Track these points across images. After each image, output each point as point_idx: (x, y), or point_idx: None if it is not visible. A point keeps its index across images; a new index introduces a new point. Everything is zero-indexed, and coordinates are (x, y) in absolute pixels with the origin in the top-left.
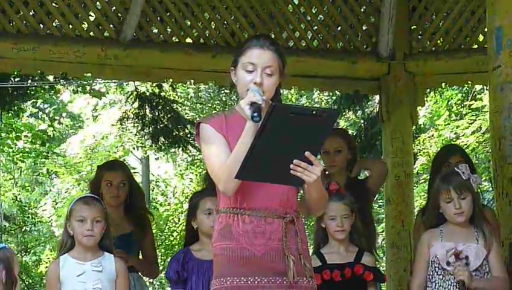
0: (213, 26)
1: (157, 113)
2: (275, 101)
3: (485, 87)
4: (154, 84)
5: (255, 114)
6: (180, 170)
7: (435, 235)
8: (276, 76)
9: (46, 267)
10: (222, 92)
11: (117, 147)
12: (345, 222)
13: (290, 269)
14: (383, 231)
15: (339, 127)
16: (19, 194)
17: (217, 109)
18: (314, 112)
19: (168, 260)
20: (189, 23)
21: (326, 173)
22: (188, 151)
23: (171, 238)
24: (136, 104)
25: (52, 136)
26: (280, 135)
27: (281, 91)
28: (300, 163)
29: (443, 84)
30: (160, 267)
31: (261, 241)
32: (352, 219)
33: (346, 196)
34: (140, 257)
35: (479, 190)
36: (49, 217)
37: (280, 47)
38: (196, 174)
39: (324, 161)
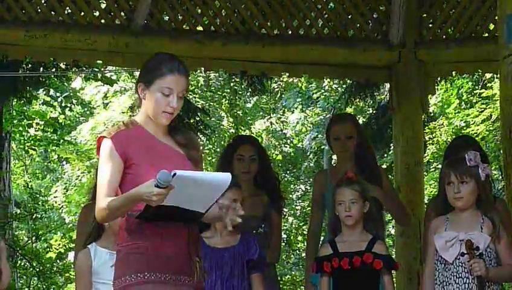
0: (224, 14)
1: None
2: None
3: (495, 75)
4: None
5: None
6: None
7: (441, 223)
8: (183, 96)
9: (57, 253)
10: (232, 80)
11: None
12: (353, 206)
13: (196, 269)
14: (392, 219)
15: (348, 113)
16: (30, 181)
17: (227, 98)
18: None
19: None
20: (200, 11)
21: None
22: (199, 139)
23: None
24: None
25: (63, 123)
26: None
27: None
28: (223, 205)
29: (453, 72)
30: None
31: (172, 242)
32: (364, 207)
33: (356, 183)
34: None
35: (489, 180)
36: (59, 204)
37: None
38: (205, 163)
39: (335, 147)
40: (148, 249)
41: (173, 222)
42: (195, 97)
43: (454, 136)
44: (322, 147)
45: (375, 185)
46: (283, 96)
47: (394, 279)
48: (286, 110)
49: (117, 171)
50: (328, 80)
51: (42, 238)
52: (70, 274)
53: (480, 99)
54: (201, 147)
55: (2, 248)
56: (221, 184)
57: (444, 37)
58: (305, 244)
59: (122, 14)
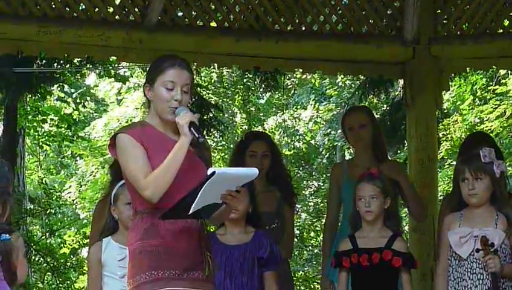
0: (237, 10)
1: None
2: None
3: (509, 71)
4: None
5: (201, 135)
6: None
7: (455, 219)
8: (190, 93)
9: (71, 249)
10: (245, 76)
11: None
12: (373, 202)
13: (208, 264)
14: (406, 216)
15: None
16: (44, 176)
17: (240, 94)
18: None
19: None
20: (213, 7)
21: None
22: (212, 136)
23: None
24: None
25: (77, 119)
26: (209, 190)
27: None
28: (231, 192)
29: (468, 68)
30: None
31: (184, 238)
32: (385, 203)
33: (377, 179)
34: None
35: (504, 176)
36: (73, 200)
37: (190, 66)
38: (218, 159)
39: (349, 137)
40: (160, 247)
41: (192, 218)
42: (208, 93)
43: (468, 133)
44: (335, 144)
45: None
46: (296, 92)
47: None
48: (299, 106)
49: (145, 156)
50: (342, 76)
51: (56, 234)
52: (84, 270)
53: (494, 95)
54: (210, 148)
55: (20, 246)
56: (248, 179)
57: (458, 33)
58: (321, 236)
59: (136, 10)
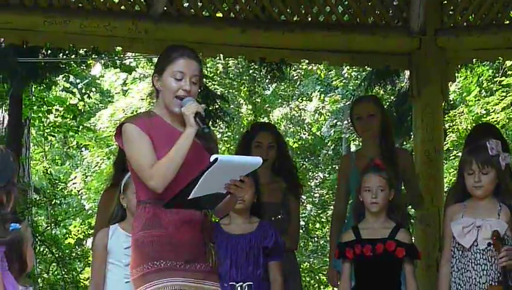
0: (243, 1)
1: None
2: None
3: None
4: None
5: (206, 126)
6: None
7: (458, 210)
8: (199, 84)
9: (76, 239)
10: (251, 67)
11: None
12: (380, 194)
13: (211, 255)
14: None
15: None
16: (49, 167)
17: (246, 84)
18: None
19: None
20: None
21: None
22: (217, 127)
23: None
24: None
25: (82, 110)
26: (212, 178)
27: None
28: (235, 182)
29: (474, 59)
30: None
31: (187, 229)
32: (390, 194)
33: (383, 170)
34: None
35: (509, 168)
36: (78, 191)
37: (199, 57)
38: (224, 150)
39: (357, 127)
40: (162, 237)
41: (195, 209)
42: (214, 84)
43: (474, 124)
44: (341, 136)
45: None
46: (302, 83)
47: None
48: (304, 98)
49: (151, 146)
50: (348, 67)
51: (61, 225)
52: (89, 260)
53: (500, 87)
54: (217, 140)
55: (29, 236)
56: (251, 168)
57: (465, 24)
58: (329, 226)
59: (142, 0)
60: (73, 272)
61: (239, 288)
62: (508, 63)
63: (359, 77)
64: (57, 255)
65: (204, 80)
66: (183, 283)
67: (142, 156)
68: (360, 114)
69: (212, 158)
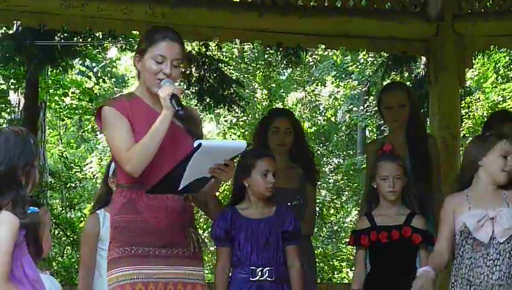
0: None
1: (203, 73)
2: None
3: None
4: (201, 43)
5: (180, 108)
6: (224, 130)
7: (461, 201)
8: (181, 67)
9: None
10: (267, 52)
11: None
12: (397, 182)
13: (192, 240)
14: None
15: (399, 81)
16: (65, 150)
17: (261, 70)
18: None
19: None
20: None
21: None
22: (232, 111)
23: None
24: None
25: (98, 94)
26: (197, 163)
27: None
28: (219, 165)
29: (491, 46)
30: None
31: (163, 215)
32: (405, 181)
33: (399, 158)
34: None
35: None
36: (93, 175)
37: (183, 39)
38: (239, 135)
39: (386, 116)
40: (136, 222)
41: (179, 194)
42: (229, 69)
43: (490, 111)
44: (358, 122)
45: (422, 154)
46: (316, 68)
47: None
48: (320, 83)
49: (130, 130)
50: (364, 52)
51: (76, 208)
52: None
53: None
54: (201, 122)
55: (47, 221)
56: (236, 152)
57: (482, 10)
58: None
59: None
60: None
61: (260, 273)
62: None
63: (375, 62)
64: (71, 238)
65: (219, 64)
66: (152, 271)
67: (119, 140)
68: (390, 104)
69: (195, 144)
